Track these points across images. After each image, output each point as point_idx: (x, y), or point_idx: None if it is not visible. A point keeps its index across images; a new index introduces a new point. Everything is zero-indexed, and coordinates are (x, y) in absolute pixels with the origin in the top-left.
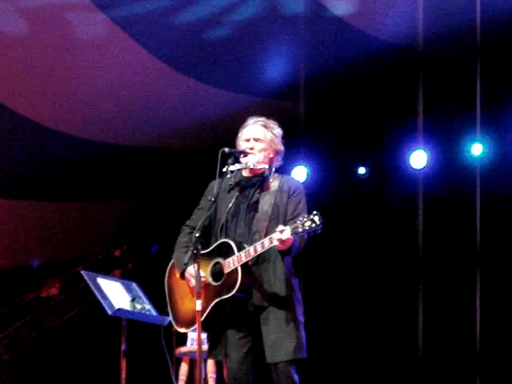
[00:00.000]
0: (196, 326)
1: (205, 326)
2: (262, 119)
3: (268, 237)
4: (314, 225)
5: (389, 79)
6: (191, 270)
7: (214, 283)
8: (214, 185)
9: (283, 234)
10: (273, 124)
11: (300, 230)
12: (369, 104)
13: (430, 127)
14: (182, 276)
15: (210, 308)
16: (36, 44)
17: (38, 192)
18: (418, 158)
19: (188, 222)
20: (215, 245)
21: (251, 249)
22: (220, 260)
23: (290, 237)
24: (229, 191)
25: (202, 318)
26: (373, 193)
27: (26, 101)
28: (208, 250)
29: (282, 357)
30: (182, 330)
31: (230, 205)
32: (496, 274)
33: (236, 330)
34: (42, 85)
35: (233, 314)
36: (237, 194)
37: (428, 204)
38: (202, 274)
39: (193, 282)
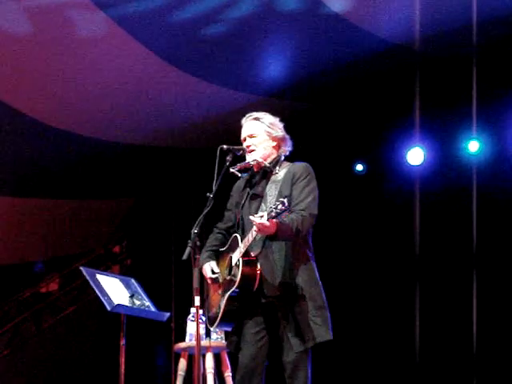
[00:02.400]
0: (218, 321)
1: (227, 320)
2: (253, 113)
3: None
4: (283, 207)
5: (386, 76)
6: (207, 268)
7: (228, 277)
8: (236, 184)
9: (261, 219)
10: (263, 114)
11: (273, 213)
12: (366, 101)
13: (427, 124)
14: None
15: (224, 302)
16: (37, 42)
17: (37, 189)
18: (415, 155)
19: (218, 224)
20: (229, 240)
21: (245, 239)
22: (231, 254)
23: (266, 223)
24: (243, 189)
25: (221, 313)
26: (370, 189)
27: (26, 98)
28: (226, 247)
29: (299, 347)
30: (212, 328)
31: (243, 201)
32: (492, 271)
33: (252, 324)
34: (41, 82)
35: (246, 307)
36: (248, 189)
37: (425, 200)
38: (217, 269)
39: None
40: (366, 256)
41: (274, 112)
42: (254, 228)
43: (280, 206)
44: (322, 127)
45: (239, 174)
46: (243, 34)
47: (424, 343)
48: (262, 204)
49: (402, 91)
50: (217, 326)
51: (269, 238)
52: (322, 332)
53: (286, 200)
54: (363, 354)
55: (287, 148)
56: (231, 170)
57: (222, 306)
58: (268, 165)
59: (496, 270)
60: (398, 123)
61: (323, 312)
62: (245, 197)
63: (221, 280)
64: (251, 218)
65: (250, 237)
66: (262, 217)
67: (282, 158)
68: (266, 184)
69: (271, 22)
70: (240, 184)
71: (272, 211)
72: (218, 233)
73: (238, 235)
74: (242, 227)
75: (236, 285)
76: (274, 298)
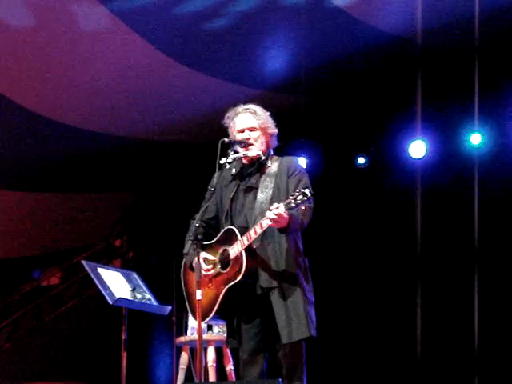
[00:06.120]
0: (211, 316)
1: (220, 314)
2: (250, 106)
3: (265, 217)
4: (305, 198)
5: (388, 69)
6: (201, 262)
7: (223, 271)
8: (216, 176)
9: (277, 210)
10: (259, 108)
11: (293, 204)
12: (368, 94)
13: (429, 117)
14: (191, 268)
15: (221, 296)
16: (39, 35)
17: (39, 183)
18: (417, 148)
19: (195, 215)
20: (221, 233)
21: (251, 231)
22: (226, 247)
23: (283, 213)
24: (231, 181)
25: (216, 307)
26: (372, 183)
27: (27, 92)
28: (215, 239)
29: (295, 336)
30: (203, 322)
31: (232, 193)
32: (494, 265)
33: (248, 319)
34: (43, 76)
35: (243, 299)
36: (238, 182)
37: (427, 194)
38: (208, 263)
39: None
40: (368, 250)
41: (275, 106)
42: (267, 220)
43: (301, 197)
44: (324, 120)
45: (228, 166)
46: (246, 27)
47: (425, 340)
48: (258, 195)
49: (404, 84)
50: (209, 320)
51: (279, 230)
52: (312, 327)
53: (307, 191)
54: (365, 351)
55: (275, 143)
56: (230, 157)
57: (220, 299)
58: (264, 158)
59: (498, 264)
60: (400, 116)
61: (311, 308)
62: (235, 189)
63: (214, 274)
64: (269, 213)
65: (257, 229)
66: (277, 208)
67: (272, 152)
68: (260, 177)
69: (274, 15)
70: (224, 176)
71: (290, 202)
72: (199, 226)
73: (234, 228)
74: (231, 219)
75: (240, 277)
76: (269, 290)
